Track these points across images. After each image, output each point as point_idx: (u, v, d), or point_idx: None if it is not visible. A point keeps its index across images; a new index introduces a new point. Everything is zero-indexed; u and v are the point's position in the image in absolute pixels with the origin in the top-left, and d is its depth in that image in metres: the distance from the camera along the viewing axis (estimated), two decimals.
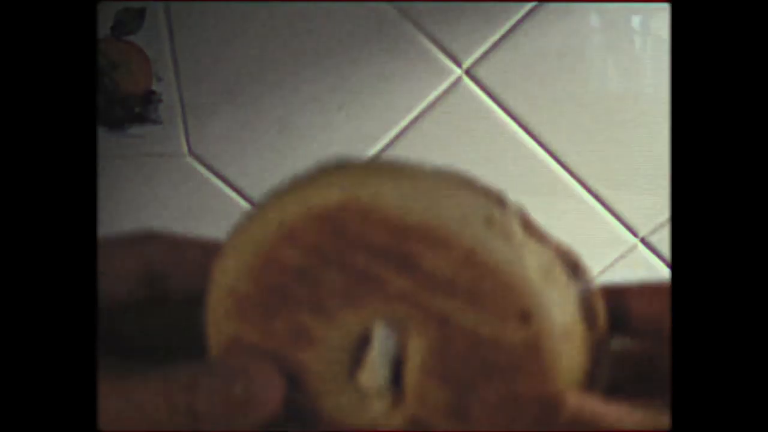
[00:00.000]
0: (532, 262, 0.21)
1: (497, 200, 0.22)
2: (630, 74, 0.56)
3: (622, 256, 0.61)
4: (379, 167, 0.22)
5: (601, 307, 0.23)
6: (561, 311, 0.22)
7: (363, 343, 0.24)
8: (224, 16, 0.53)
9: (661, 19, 0.54)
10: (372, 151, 0.57)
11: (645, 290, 0.23)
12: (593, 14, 0.54)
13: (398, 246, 0.21)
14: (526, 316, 0.21)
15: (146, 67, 0.55)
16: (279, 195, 0.23)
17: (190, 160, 0.57)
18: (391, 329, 0.23)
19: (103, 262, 0.24)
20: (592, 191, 0.59)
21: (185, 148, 0.57)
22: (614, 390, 0.23)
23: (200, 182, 0.58)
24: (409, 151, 0.57)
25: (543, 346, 0.21)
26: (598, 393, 0.23)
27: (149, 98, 0.55)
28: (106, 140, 0.56)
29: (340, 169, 0.23)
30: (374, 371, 0.24)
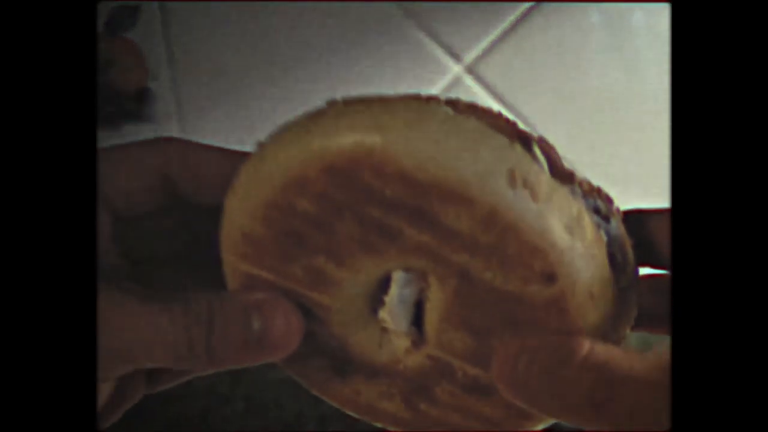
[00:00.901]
0: (559, 218, 0.20)
1: (522, 141, 0.21)
2: (632, 72, 0.56)
3: None
4: (391, 108, 0.21)
5: (629, 249, 0.22)
6: (587, 265, 0.21)
7: (383, 285, 0.23)
8: (221, 13, 0.53)
9: (663, 16, 0.54)
10: None
11: (666, 216, 0.23)
12: (594, 11, 0.54)
13: (415, 201, 0.20)
14: (550, 277, 0.20)
15: (140, 65, 0.54)
16: (286, 136, 0.22)
17: None
18: (409, 276, 0.23)
19: (120, 162, 0.23)
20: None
21: None
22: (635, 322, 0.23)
23: None
24: None
25: (567, 304, 0.21)
26: (623, 334, 0.22)
27: (143, 96, 0.55)
28: (100, 139, 0.56)
29: (348, 107, 0.21)
30: (394, 314, 0.23)
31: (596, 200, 0.22)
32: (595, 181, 0.59)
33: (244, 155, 0.23)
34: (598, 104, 0.56)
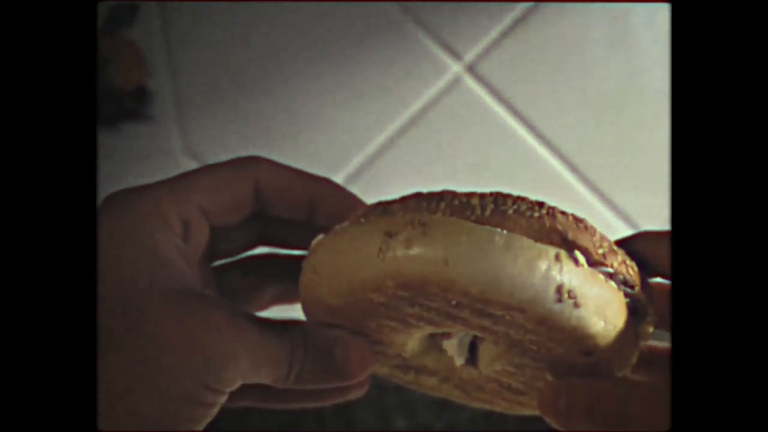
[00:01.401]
0: (595, 312, 0.24)
1: (566, 247, 0.24)
2: (633, 69, 0.56)
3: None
4: (455, 238, 0.24)
5: (647, 301, 0.26)
6: (617, 337, 0.24)
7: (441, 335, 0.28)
8: (220, 12, 0.53)
9: (663, 14, 0.54)
10: (373, 147, 0.57)
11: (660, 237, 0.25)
12: (595, 9, 0.54)
13: (477, 306, 0.24)
14: (588, 353, 0.25)
15: (139, 63, 0.54)
16: (359, 246, 0.25)
17: (184, 157, 0.57)
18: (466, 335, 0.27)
19: (220, 179, 0.27)
20: (595, 188, 0.58)
21: (179, 146, 0.57)
22: None
23: None
24: (410, 147, 0.57)
25: (601, 366, 0.25)
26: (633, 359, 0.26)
27: (142, 95, 0.55)
28: (98, 137, 0.55)
29: (415, 230, 0.24)
30: (456, 349, 0.28)
31: (624, 274, 0.25)
32: (598, 179, 0.59)
33: (323, 181, 0.28)
34: (599, 102, 0.56)
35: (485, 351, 0.27)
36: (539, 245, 0.24)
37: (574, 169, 0.58)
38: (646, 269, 0.26)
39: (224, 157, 0.60)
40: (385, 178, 0.58)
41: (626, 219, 0.60)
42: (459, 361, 0.28)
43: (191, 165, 0.57)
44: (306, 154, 0.57)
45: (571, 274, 0.24)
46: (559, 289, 0.23)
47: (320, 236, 0.26)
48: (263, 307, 0.30)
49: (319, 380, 0.26)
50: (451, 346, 0.28)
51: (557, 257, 0.24)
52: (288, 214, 0.28)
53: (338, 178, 0.59)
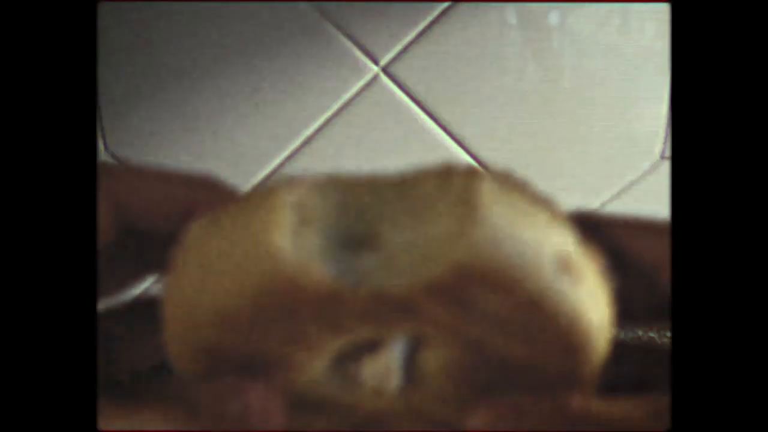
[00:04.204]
0: (594, 298, 0.19)
1: (575, 228, 0.19)
2: (548, 71, 0.56)
3: None
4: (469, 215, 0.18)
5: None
6: (601, 333, 0.20)
7: (368, 346, 0.21)
8: (141, 12, 0.53)
9: (578, 16, 0.54)
10: (289, 148, 0.57)
11: (632, 225, 0.22)
12: (510, 11, 0.54)
13: (454, 284, 0.18)
14: (571, 350, 0.19)
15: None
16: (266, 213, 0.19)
17: (106, 158, 0.57)
18: (408, 341, 0.21)
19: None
20: None
21: (101, 146, 0.57)
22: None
23: None
24: (326, 149, 0.57)
25: (581, 370, 0.20)
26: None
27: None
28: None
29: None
30: (384, 374, 0.21)
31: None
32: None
33: (202, 184, 0.22)
34: (515, 104, 0.56)
35: (431, 359, 0.21)
36: (535, 208, 0.19)
37: (488, 168, 0.58)
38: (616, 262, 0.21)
39: (144, 157, 0.60)
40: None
41: None
42: (395, 380, 0.21)
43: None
44: (224, 155, 0.57)
45: (572, 247, 0.19)
46: (564, 259, 0.18)
47: (200, 221, 0.20)
48: (149, 358, 0.25)
49: None
50: (385, 359, 0.21)
51: (565, 232, 0.19)
52: (162, 227, 0.23)
53: (257, 178, 0.59)
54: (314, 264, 0.18)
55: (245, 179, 0.58)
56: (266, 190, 0.19)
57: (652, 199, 0.58)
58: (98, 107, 0.55)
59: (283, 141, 0.57)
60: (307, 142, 0.57)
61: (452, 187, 0.19)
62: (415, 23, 0.54)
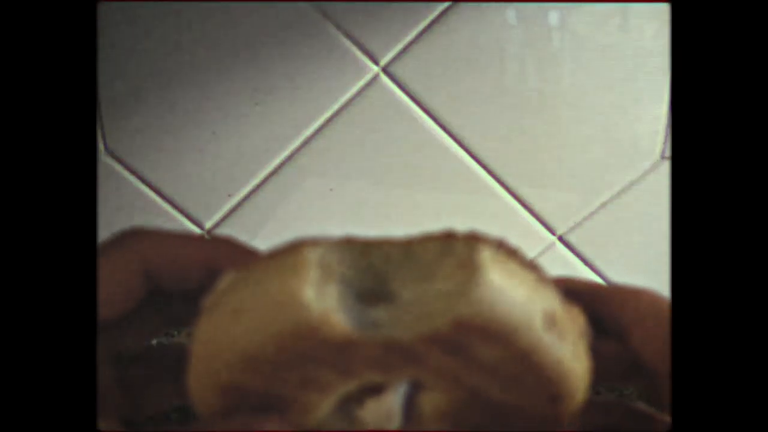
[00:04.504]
0: (572, 350, 0.22)
1: (558, 290, 0.22)
2: (548, 71, 0.56)
3: (539, 255, 0.61)
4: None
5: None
6: (582, 381, 0.22)
7: (372, 389, 0.23)
8: (141, 11, 0.53)
9: (578, 15, 0.54)
10: (289, 148, 0.57)
11: (604, 291, 0.24)
12: (510, 10, 0.54)
13: (455, 335, 0.20)
14: (556, 399, 0.22)
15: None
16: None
17: (106, 158, 0.57)
18: (409, 385, 0.23)
19: (99, 267, 0.23)
20: (510, 189, 0.59)
21: (101, 147, 0.57)
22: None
23: (117, 181, 0.57)
24: (326, 149, 0.57)
25: (562, 416, 0.22)
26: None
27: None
28: None
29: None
30: (386, 416, 0.24)
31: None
32: (513, 179, 0.59)
33: (222, 242, 0.24)
34: (515, 103, 0.56)
35: (429, 402, 0.23)
36: (525, 271, 0.21)
37: (489, 169, 0.58)
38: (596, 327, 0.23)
39: (143, 157, 0.60)
40: (303, 176, 0.58)
41: (542, 220, 0.60)
42: (396, 421, 0.23)
43: (114, 165, 0.57)
44: (224, 155, 0.57)
45: (564, 314, 0.21)
46: (551, 317, 0.21)
47: (231, 273, 0.22)
48: (171, 401, 0.26)
49: None
50: (387, 402, 0.23)
51: (551, 293, 0.22)
52: (187, 286, 0.25)
53: (257, 179, 0.59)
54: (334, 314, 0.20)
55: (245, 179, 0.58)
56: (291, 247, 0.22)
57: (652, 199, 0.59)
58: (98, 107, 0.55)
59: (283, 141, 0.57)
60: (307, 142, 0.57)
61: (454, 251, 0.21)
62: (415, 23, 0.54)
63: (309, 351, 0.21)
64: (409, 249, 0.22)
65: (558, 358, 0.21)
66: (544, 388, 0.21)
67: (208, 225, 0.58)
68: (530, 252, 0.61)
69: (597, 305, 0.23)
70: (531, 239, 0.60)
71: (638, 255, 0.61)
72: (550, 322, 0.21)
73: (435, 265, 0.21)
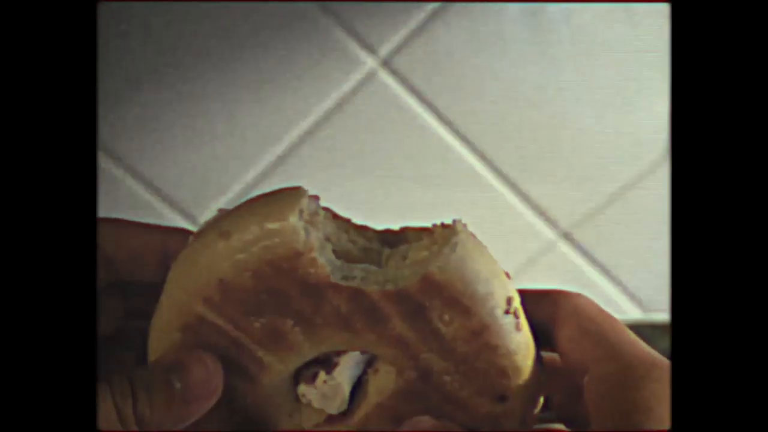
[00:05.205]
0: (528, 347, 0.23)
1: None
2: (550, 64, 0.55)
3: (541, 251, 0.61)
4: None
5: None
6: (531, 385, 0.23)
7: (320, 360, 0.24)
8: (135, 6, 0.53)
9: (581, 10, 0.54)
10: (287, 141, 0.57)
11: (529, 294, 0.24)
12: (512, 3, 0.54)
13: (421, 297, 0.21)
14: (503, 398, 0.23)
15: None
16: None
17: (102, 154, 0.57)
18: (362, 359, 0.24)
19: None
20: (511, 184, 0.58)
21: (99, 143, 0.56)
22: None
23: (110, 177, 0.57)
24: (325, 143, 0.57)
25: (505, 422, 0.23)
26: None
27: None
28: None
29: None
30: (329, 391, 0.24)
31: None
32: (514, 174, 0.58)
33: (177, 231, 0.25)
34: (516, 97, 0.56)
35: (374, 390, 0.24)
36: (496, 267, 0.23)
37: (489, 163, 0.58)
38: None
39: (137, 151, 0.59)
40: (300, 172, 0.58)
41: (541, 213, 0.60)
42: (343, 400, 0.24)
43: (109, 163, 0.57)
44: (221, 149, 0.57)
45: (519, 306, 0.23)
46: (510, 300, 0.22)
47: (218, 209, 0.24)
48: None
49: (167, 416, 0.23)
50: (336, 379, 0.24)
51: (507, 276, 0.23)
52: (144, 275, 0.25)
53: (253, 173, 0.58)
54: (316, 252, 0.21)
55: (243, 173, 0.58)
56: (288, 188, 0.23)
57: (653, 196, 0.58)
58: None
59: (281, 134, 0.57)
60: (305, 135, 0.57)
61: (433, 231, 0.23)
62: (414, 15, 0.54)
63: (284, 285, 0.21)
64: (387, 233, 0.24)
65: (512, 348, 0.22)
66: (493, 380, 0.22)
67: (202, 220, 0.58)
68: (532, 247, 0.61)
69: (528, 309, 0.24)
70: (533, 235, 0.60)
71: (642, 251, 0.61)
72: (509, 306, 0.22)
73: (414, 242, 0.23)
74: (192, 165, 0.57)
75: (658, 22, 0.54)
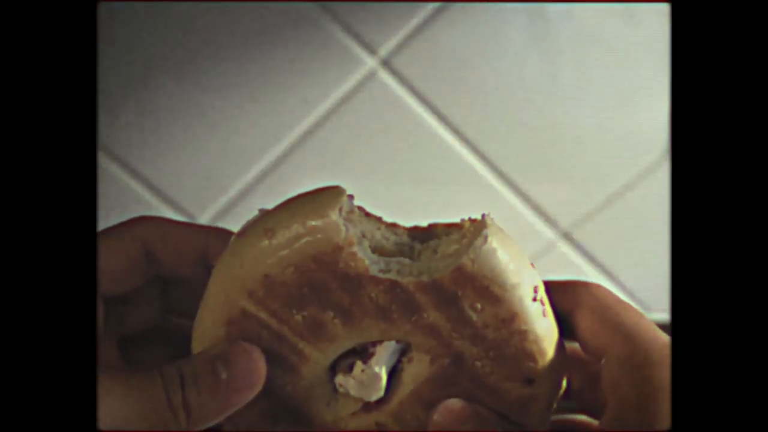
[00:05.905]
0: (554, 333, 0.24)
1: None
2: (550, 64, 0.55)
3: (541, 251, 0.61)
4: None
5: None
6: (554, 360, 0.24)
7: (357, 351, 0.26)
8: (135, 6, 0.53)
9: (581, 7, 0.54)
10: (287, 141, 0.57)
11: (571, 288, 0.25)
12: (512, 3, 0.54)
13: (453, 284, 0.23)
14: (530, 381, 0.24)
15: None
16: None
17: (102, 154, 0.57)
18: (397, 348, 0.25)
19: (105, 247, 0.25)
20: (511, 184, 0.58)
21: (100, 143, 0.56)
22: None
23: (110, 176, 0.57)
24: (325, 143, 0.57)
25: (534, 404, 0.25)
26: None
27: None
28: None
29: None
30: (366, 380, 0.25)
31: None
32: (514, 174, 0.58)
33: (217, 231, 0.27)
34: (514, 96, 0.56)
35: (408, 378, 0.25)
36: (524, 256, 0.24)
37: (489, 163, 0.58)
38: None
39: (138, 150, 0.59)
40: (300, 172, 0.58)
41: (541, 213, 0.60)
42: (380, 387, 0.25)
43: (108, 163, 0.57)
44: (221, 149, 0.57)
45: (542, 287, 0.24)
46: (536, 289, 0.24)
47: (260, 209, 0.25)
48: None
49: (213, 405, 0.24)
50: (365, 374, 0.25)
51: (533, 265, 0.24)
52: (184, 272, 0.27)
53: (253, 173, 0.58)
54: (356, 246, 0.23)
55: (243, 173, 0.58)
56: (327, 187, 0.24)
57: (653, 196, 0.58)
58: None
59: (280, 135, 0.57)
60: (306, 135, 0.57)
61: (462, 226, 0.25)
62: (414, 15, 0.54)
63: (325, 279, 0.23)
64: (416, 229, 0.25)
65: (539, 333, 0.24)
66: (521, 363, 0.24)
67: (201, 221, 0.58)
68: (532, 247, 0.61)
69: (549, 298, 0.25)
70: (533, 235, 0.60)
71: (642, 251, 0.61)
72: (536, 294, 0.23)
73: (443, 236, 0.25)
74: (192, 165, 0.57)
75: (658, 22, 0.54)
